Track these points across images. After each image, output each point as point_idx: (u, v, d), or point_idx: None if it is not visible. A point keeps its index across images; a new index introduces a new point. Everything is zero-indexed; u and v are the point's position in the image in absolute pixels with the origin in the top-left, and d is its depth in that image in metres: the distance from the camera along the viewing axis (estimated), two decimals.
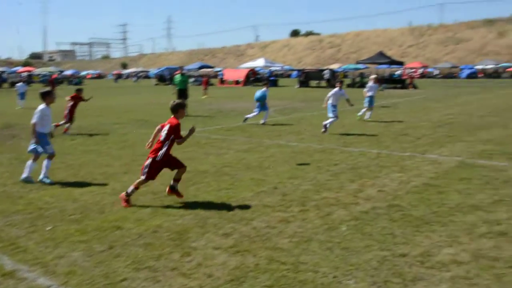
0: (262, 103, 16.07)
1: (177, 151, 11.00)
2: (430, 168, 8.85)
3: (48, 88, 9.57)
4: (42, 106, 8.40)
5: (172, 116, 7.00)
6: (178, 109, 7.03)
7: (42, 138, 8.32)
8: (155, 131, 7.11)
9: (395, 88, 42.61)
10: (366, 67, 63.59)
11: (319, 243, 5.22)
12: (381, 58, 47.01)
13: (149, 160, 6.78)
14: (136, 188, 6.79)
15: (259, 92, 16.08)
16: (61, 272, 4.57)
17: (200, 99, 30.45)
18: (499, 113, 18.81)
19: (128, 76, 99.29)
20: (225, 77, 56.38)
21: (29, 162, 8.24)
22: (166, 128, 6.87)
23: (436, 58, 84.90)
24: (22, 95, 25.26)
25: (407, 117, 17.91)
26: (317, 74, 50.74)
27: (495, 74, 71.12)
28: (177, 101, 7.24)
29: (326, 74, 46.53)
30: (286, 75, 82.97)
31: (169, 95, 20.92)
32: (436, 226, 5.67)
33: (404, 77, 51.39)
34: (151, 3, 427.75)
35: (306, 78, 49.48)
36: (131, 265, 4.72)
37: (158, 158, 6.75)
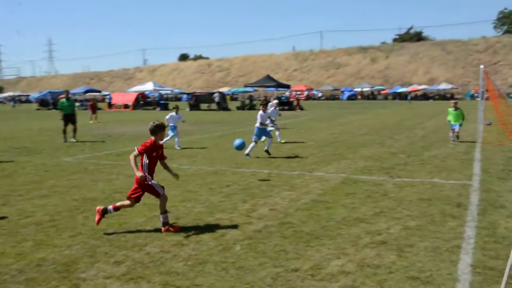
0: (173, 126, 15.95)
1: (62, 179, 10.46)
2: (318, 185, 9.31)
3: None
4: None
5: (151, 137, 6.72)
6: (157, 132, 6.72)
7: None
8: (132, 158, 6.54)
9: (283, 109, 44.28)
10: (255, 90, 65.55)
11: (214, 264, 5.23)
12: (268, 81, 48.70)
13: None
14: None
15: (174, 117, 16.19)
16: None
17: (88, 124, 29.15)
18: (377, 132, 20.39)
19: (2, 100, 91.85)
20: (114, 101, 54.62)
21: None
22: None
23: (319, 81, 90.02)
24: None
25: (295, 137, 18.70)
26: (208, 97, 51.19)
27: (371, 96, 77.21)
28: (157, 122, 6.81)
29: (217, 97, 47.07)
30: (176, 98, 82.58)
31: (55, 120, 19.79)
32: (325, 240, 5.96)
33: (291, 99, 53.67)
34: (29, 24, 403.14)
35: (197, 101, 49.65)
36: None
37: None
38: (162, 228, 6.51)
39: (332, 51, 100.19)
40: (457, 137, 15.97)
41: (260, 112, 14.19)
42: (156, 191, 6.70)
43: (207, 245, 5.87)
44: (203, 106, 49.50)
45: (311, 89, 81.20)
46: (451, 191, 8.60)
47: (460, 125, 16.07)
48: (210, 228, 6.60)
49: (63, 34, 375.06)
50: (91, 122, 30.79)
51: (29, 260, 5.42)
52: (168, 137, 15.73)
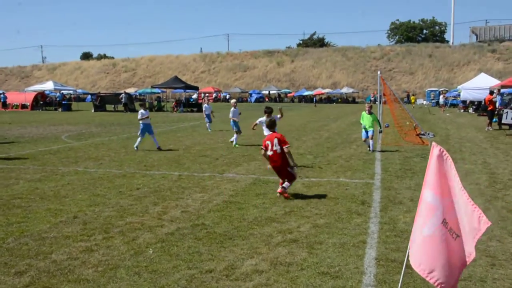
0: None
1: None
2: (229, 187, 9.39)
3: None
4: None
5: (272, 131, 9.00)
6: (274, 125, 9.19)
7: None
8: (262, 152, 8.64)
9: (192, 111, 44.01)
10: (163, 91, 64.43)
11: (126, 269, 5.10)
12: (176, 82, 48.11)
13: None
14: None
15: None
16: None
17: None
18: (284, 133, 20.81)
19: None
20: (9, 101, 50.92)
21: None
22: (276, 141, 8.51)
23: (227, 83, 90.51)
24: None
25: (205, 139, 18.67)
26: (114, 98, 49.48)
27: (278, 99, 79.22)
28: (272, 118, 9.78)
29: (123, 98, 45.63)
30: (80, 99, 78.98)
31: None
32: (238, 240, 6.03)
33: (200, 101, 53.50)
34: None
35: (102, 102, 47.78)
36: None
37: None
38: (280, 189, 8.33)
39: (239, 54, 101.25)
40: (370, 144, 14.43)
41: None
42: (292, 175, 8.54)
43: (118, 250, 5.71)
44: (109, 107, 47.77)
45: (219, 91, 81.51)
46: (355, 190, 9.08)
47: (374, 131, 14.53)
48: (121, 232, 6.41)
49: None
50: None
51: None
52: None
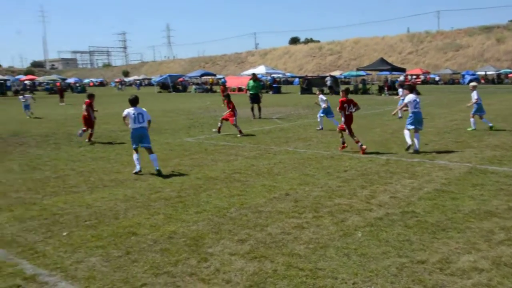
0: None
1: (185, 158, 11.07)
2: (441, 174, 8.83)
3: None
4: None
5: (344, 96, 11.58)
6: (348, 92, 11.91)
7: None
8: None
9: (397, 94, 42.57)
10: (368, 74, 63.73)
11: (335, 249, 5.21)
12: (382, 64, 47.07)
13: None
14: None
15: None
16: (81, 277, 4.57)
17: (205, 106, 30.49)
18: (505, 118, 18.79)
19: (131, 83, 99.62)
20: (228, 84, 56.46)
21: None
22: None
23: (437, 64, 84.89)
24: (27, 106, 24.74)
25: None
26: (319, 81, 50.80)
27: (497, 80, 71.20)
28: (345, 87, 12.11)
29: (329, 81, 46.54)
30: (288, 82, 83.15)
31: (176, 103, 20.84)
32: (453, 233, 5.64)
33: (407, 83, 51.37)
34: (149, 11, 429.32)
35: (308, 85, 49.51)
36: (149, 270, 4.71)
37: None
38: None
39: (451, 32, 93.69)
40: None
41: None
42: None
43: (328, 230, 5.87)
44: (315, 89, 49.23)
45: (428, 73, 76.87)
46: None
47: None
48: (330, 212, 6.58)
49: (180, 21, 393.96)
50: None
51: (162, 232, 5.83)
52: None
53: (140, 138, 9.45)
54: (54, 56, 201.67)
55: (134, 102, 9.56)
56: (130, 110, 9.45)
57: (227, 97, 15.75)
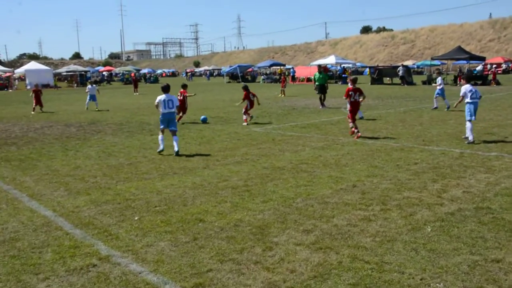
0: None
1: (253, 147, 11.19)
2: None
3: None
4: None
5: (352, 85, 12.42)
6: (356, 81, 12.78)
7: None
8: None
9: (475, 84, 40.47)
10: (443, 63, 61.02)
11: (403, 244, 5.07)
12: (459, 53, 44.78)
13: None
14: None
15: None
16: (150, 260, 4.77)
17: (273, 96, 30.60)
18: None
19: (201, 74, 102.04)
20: (297, 74, 56.26)
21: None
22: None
23: None
24: (94, 97, 23.83)
25: (491, 115, 16.96)
26: (391, 71, 49.31)
27: None
28: (353, 77, 12.82)
29: (400, 71, 45.04)
30: (358, 72, 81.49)
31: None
32: None
33: (487, 73, 48.72)
34: (220, 2, 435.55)
35: (379, 75, 48.18)
36: (215, 256, 4.82)
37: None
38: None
39: None
40: None
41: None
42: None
43: (395, 223, 5.72)
44: (386, 80, 47.91)
45: (510, 61, 72.23)
46: None
47: None
48: (398, 205, 6.41)
49: (250, 11, 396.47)
50: (279, 95, 31.81)
51: (228, 220, 5.94)
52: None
53: (168, 121, 10.53)
54: (130, 48, 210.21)
55: (166, 89, 10.62)
56: (162, 97, 10.47)
57: (245, 88, 15.90)
